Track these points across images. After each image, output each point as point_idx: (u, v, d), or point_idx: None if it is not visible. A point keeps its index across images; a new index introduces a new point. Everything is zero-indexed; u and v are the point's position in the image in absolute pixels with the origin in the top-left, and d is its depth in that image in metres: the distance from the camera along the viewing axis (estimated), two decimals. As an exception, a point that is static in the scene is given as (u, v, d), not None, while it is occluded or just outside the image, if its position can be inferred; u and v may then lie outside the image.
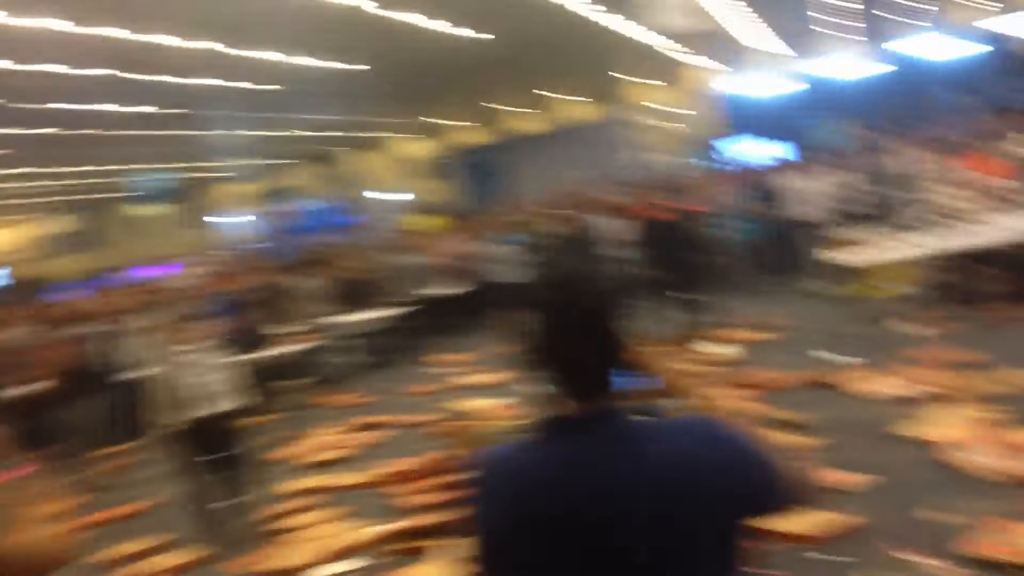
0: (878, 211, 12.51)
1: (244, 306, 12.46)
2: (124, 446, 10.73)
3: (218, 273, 14.90)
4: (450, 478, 7.34)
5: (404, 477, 7.58)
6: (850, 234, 11.96)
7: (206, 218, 39.84)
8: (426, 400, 10.64)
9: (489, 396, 9.81)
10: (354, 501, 7.46)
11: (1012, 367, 7.69)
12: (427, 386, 11.41)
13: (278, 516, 7.26)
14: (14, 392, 10.15)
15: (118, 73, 19.46)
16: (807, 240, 13.17)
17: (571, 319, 1.83)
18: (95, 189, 38.25)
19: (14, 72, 17.21)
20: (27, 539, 1.87)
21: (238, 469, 7.09)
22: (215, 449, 6.84)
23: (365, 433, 9.53)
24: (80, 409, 10.54)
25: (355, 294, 13.79)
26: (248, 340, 11.81)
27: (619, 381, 1.86)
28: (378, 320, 13.52)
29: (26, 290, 23.41)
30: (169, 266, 20.43)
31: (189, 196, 40.31)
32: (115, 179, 35.32)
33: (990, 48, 23.27)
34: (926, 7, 28.14)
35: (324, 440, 9.49)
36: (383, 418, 9.97)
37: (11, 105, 19.93)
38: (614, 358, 1.85)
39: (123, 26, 16.42)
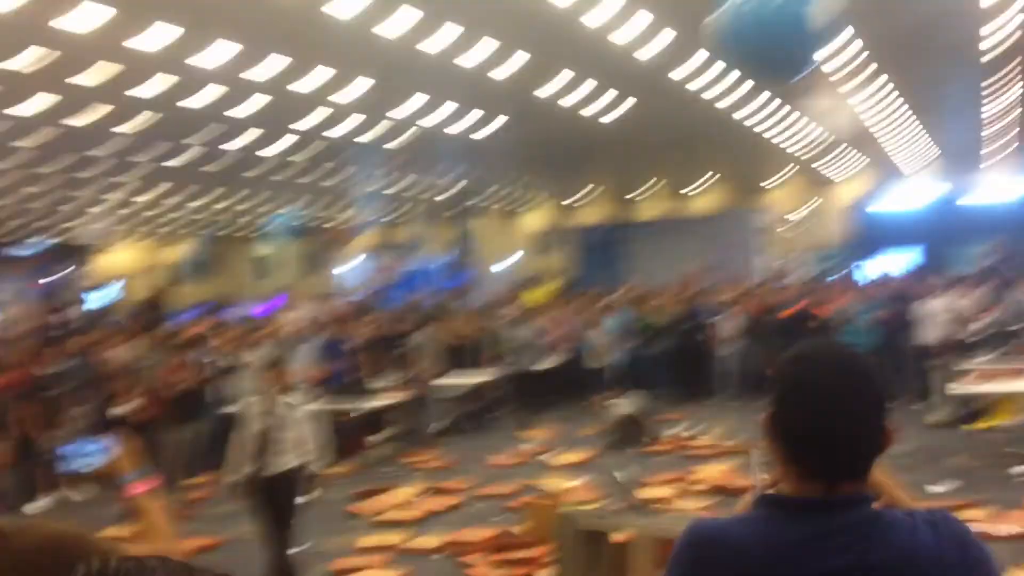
0: (1007, 339, 11.84)
1: (348, 353, 12.58)
2: (212, 477, 10.82)
3: (329, 317, 15.11)
4: (521, 554, 7.12)
5: (474, 547, 7.37)
6: (977, 361, 11.38)
7: (329, 262, 40.92)
8: (509, 471, 10.48)
9: (572, 475, 9.61)
10: (421, 565, 7.27)
11: None
12: (512, 457, 11.25)
13: (344, 571, 7.13)
14: (122, 409, 10.41)
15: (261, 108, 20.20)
16: (933, 363, 12.54)
17: (854, 394, 1.70)
18: (224, 220, 39.82)
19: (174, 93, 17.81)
20: (165, 548, 1.82)
21: (300, 519, 6.98)
22: (283, 501, 6.74)
23: (444, 497, 9.38)
24: (182, 434, 10.69)
25: (456, 355, 13.76)
26: (347, 387, 11.93)
27: None
28: (475, 384, 13.43)
29: (142, 311, 24.29)
30: (277, 300, 20.84)
31: (315, 238, 41.52)
32: (245, 213, 36.78)
33: None
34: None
35: (402, 498, 9.37)
36: (464, 483, 9.81)
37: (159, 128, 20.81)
38: (880, 442, 1.71)
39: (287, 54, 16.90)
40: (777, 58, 8.34)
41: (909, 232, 23.50)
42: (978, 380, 10.59)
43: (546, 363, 15.54)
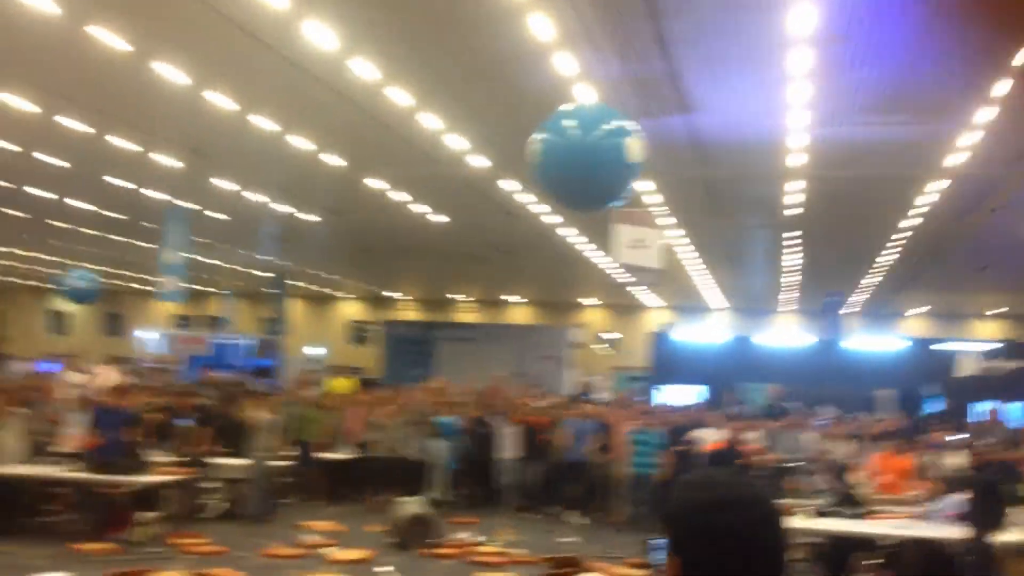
0: (783, 476, 12.51)
1: (126, 422, 11.90)
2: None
3: (113, 384, 14.28)
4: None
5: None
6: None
7: (127, 328, 38.97)
8: (281, 564, 10.05)
9: (348, 574, 9.33)
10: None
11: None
12: (287, 549, 10.81)
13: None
14: None
15: (67, 165, 19.40)
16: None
17: (773, 545, 1.68)
18: (11, 272, 37.52)
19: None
20: None
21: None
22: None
23: (207, 586, 8.87)
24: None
25: (243, 436, 13.24)
26: (120, 459, 11.24)
27: None
28: (259, 468, 12.92)
29: None
30: (53, 363, 19.64)
31: (113, 302, 39.56)
32: (38, 268, 34.75)
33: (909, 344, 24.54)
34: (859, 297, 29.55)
35: (160, 584, 8.80)
36: (230, 573, 9.31)
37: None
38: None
39: (85, 121, 16.48)
40: (591, 188, 8.75)
41: (703, 363, 24.69)
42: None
43: (342, 453, 15.27)
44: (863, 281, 30.07)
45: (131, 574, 9.00)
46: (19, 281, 40.26)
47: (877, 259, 26.61)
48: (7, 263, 34.56)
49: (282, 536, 11.52)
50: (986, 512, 8.79)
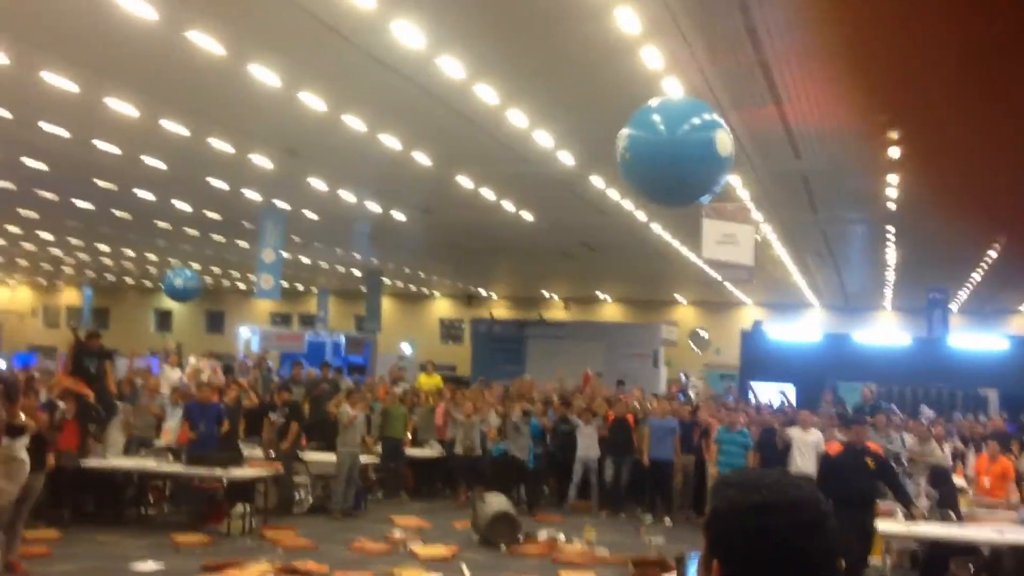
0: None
1: (222, 417, 12.24)
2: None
3: (211, 381, 14.71)
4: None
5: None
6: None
7: (226, 325, 40.16)
8: (369, 558, 10.21)
9: (433, 569, 9.41)
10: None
11: None
12: (376, 544, 10.97)
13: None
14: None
15: (167, 167, 20.04)
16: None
17: (818, 546, 1.59)
18: (119, 272, 39.01)
19: (68, 141, 17.73)
20: None
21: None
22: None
23: (292, 577, 9.06)
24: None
25: (333, 432, 13.48)
26: (217, 452, 11.57)
27: None
28: (348, 464, 13.12)
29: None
30: (151, 359, 20.29)
31: (214, 300, 40.80)
32: (145, 266, 36.04)
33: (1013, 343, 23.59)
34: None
35: (249, 573, 9.01)
36: (317, 567, 9.49)
37: (56, 173, 20.52)
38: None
39: (185, 124, 16.99)
40: (680, 184, 8.64)
41: (796, 362, 24.20)
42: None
43: (431, 450, 15.41)
44: (969, 276, 28.95)
45: (224, 565, 9.26)
46: (128, 280, 41.84)
47: (984, 253, 25.55)
48: (116, 263, 35.92)
49: (369, 531, 11.71)
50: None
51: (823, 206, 21.23)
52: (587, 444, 14.72)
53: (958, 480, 11.60)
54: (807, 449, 13.52)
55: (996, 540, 9.30)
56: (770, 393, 21.12)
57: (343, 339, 29.98)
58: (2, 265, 36.73)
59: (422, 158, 18.76)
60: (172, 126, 16.93)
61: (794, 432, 13.81)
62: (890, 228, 22.92)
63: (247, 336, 31.26)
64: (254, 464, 12.05)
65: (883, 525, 9.53)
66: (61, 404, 11.03)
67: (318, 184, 21.63)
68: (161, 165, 19.93)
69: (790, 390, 21.33)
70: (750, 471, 1.75)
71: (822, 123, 15.97)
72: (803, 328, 29.23)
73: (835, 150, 17.28)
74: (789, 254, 26.40)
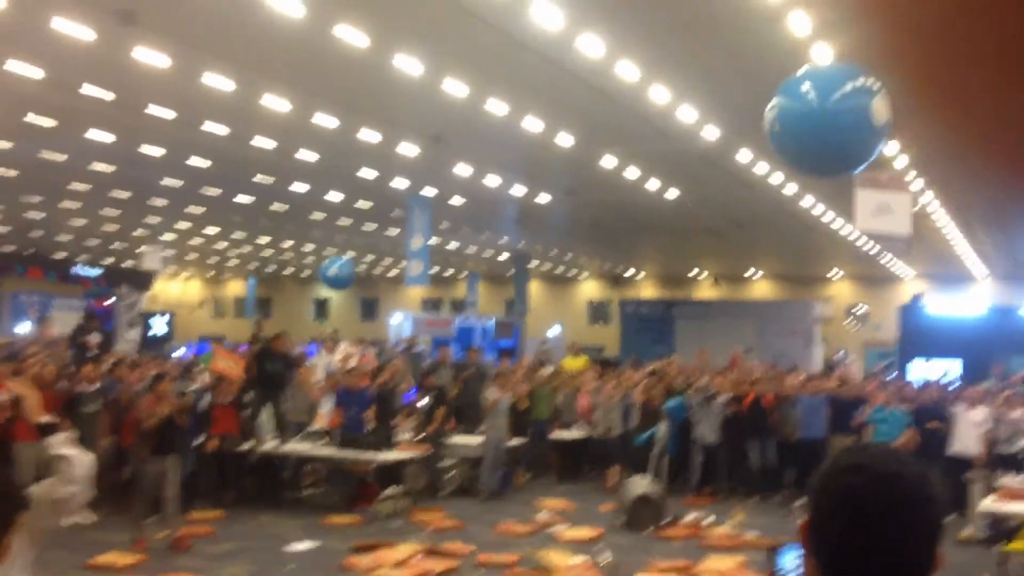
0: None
1: (368, 403, 12.58)
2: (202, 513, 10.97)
3: (362, 367, 15.13)
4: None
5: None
6: (1020, 478, 10.95)
7: (380, 311, 41.32)
8: (514, 540, 10.31)
9: (580, 551, 9.41)
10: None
11: None
12: (522, 526, 11.07)
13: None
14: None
15: (318, 159, 20.70)
16: (972, 475, 12.09)
17: (909, 515, 1.56)
18: (279, 263, 40.69)
19: (228, 139, 18.52)
20: None
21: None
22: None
23: (443, 559, 9.23)
24: (159, 465, 10.55)
25: (480, 415, 13.66)
26: (366, 436, 11.91)
27: None
28: (495, 446, 13.28)
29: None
30: (312, 346, 21.02)
31: (368, 288, 42.05)
32: (303, 257, 37.46)
33: None
34: None
35: (400, 556, 9.25)
36: (463, 548, 9.65)
37: (218, 170, 21.49)
38: (928, 567, 1.58)
39: (338, 118, 17.50)
40: (834, 155, 8.30)
41: (962, 337, 22.92)
42: (1016, 498, 10.16)
43: (575, 433, 15.41)
44: None
45: (374, 545, 9.54)
46: (287, 271, 43.63)
47: None
48: (276, 254, 37.49)
49: (515, 513, 11.82)
50: None
51: (988, 169, 20.00)
52: (704, 426, 14.10)
53: None
54: (970, 428, 12.82)
55: None
56: (933, 370, 20.12)
57: (492, 323, 30.34)
58: (173, 259, 38.90)
59: (565, 139, 18.71)
60: (323, 119, 17.51)
61: (957, 410, 13.12)
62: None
63: (399, 322, 32.07)
64: (403, 447, 12.35)
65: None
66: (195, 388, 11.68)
67: (463, 169, 21.91)
68: (313, 157, 20.65)
69: (956, 366, 20.27)
70: (871, 444, 1.69)
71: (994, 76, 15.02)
72: (968, 301, 27.63)
73: (1004, 107, 16.23)
74: (953, 221, 25.03)
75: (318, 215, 27.86)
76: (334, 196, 25.29)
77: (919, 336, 24.32)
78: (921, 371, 20.55)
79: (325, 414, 13.29)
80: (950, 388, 14.68)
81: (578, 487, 14.28)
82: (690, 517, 11.73)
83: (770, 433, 13.98)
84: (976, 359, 20.29)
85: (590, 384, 15.78)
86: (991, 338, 22.57)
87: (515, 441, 13.78)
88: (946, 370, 19.36)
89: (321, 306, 45.32)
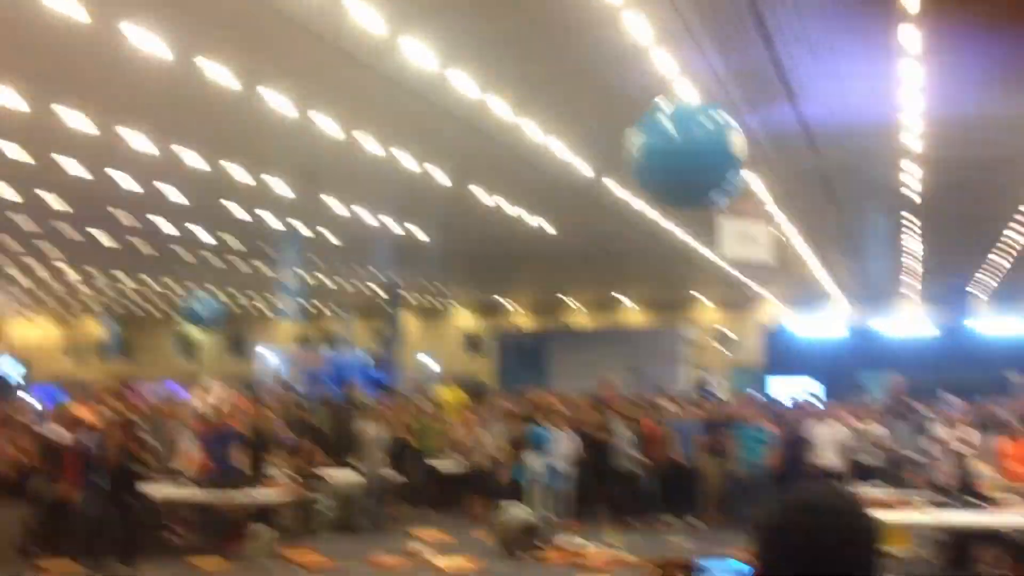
0: (894, 469, 12.04)
1: (241, 441, 12.27)
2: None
3: (234, 407, 14.75)
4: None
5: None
6: (873, 488, 11.51)
7: (249, 349, 40.37)
8: (389, 573, 10.23)
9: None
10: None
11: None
12: (394, 559, 10.98)
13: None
14: None
15: (185, 198, 20.23)
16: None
17: (863, 551, 1.65)
18: (141, 301, 39.36)
19: (82, 177, 17.96)
20: None
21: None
22: None
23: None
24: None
25: (355, 449, 13.53)
26: (235, 476, 11.62)
27: None
28: (372, 480, 13.15)
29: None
30: (180, 386, 20.44)
31: (237, 324, 41.04)
32: (169, 295, 36.35)
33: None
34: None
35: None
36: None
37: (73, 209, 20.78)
38: None
39: (201, 153, 17.19)
40: (691, 186, 8.62)
41: (821, 356, 24.01)
42: (871, 508, 10.64)
43: (447, 465, 15.37)
44: (990, 263, 28.66)
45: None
46: (151, 309, 42.19)
47: (1005, 239, 25.29)
48: (138, 293, 36.26)
49: (391, 545, 11.70)
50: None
51: (843, 200, 21.09)
52: (560, 452, 13.73)
53: (983, 466, 11.43)
54: (830, 445, 13.45)
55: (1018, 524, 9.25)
56: (795, 389, 20.93)
57: (366, 357, 30.07)
58: (27, 303, 37.19)
59: (439, 175, 18.86)
60: (189, 156, 17.16)
61: (818, 428, 13.71)
62: (913, 219, 22.75)
63: (271, 359, 31.40)
64: (275, 485, 12.08)
65: (906, 515, 9.47)
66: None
67: (337, 206, 21.78)
68: (180, 196, 20.18)
69: (816, 385, 21.15)
70: (811, 482, 1.80)
71: (837, 117, 15.89)
72: (827, 322, 28.96)
73: (852, 144, 17.17)
74: (811, 249, 26.24)
75: (185, 253, 27.18)
76: (202, 234, 24.75)
77: (782, 357, 25.31)
78: (784, 390, 21.38)
79: (189, 453, 12.85)
80: (811, 406, 15.30)
81: (455, 518, 14.23)
82: (563, 540, 11.86)
83: (651, 457, 14.26)
84: (836, 377, 21.27)
85: (462, 415, 15.83)
86: (850, 355, 23.71)
87: (393, 474, 13.67)
88: (804, 389, 20.19)
89: (186, 343, 43.86)
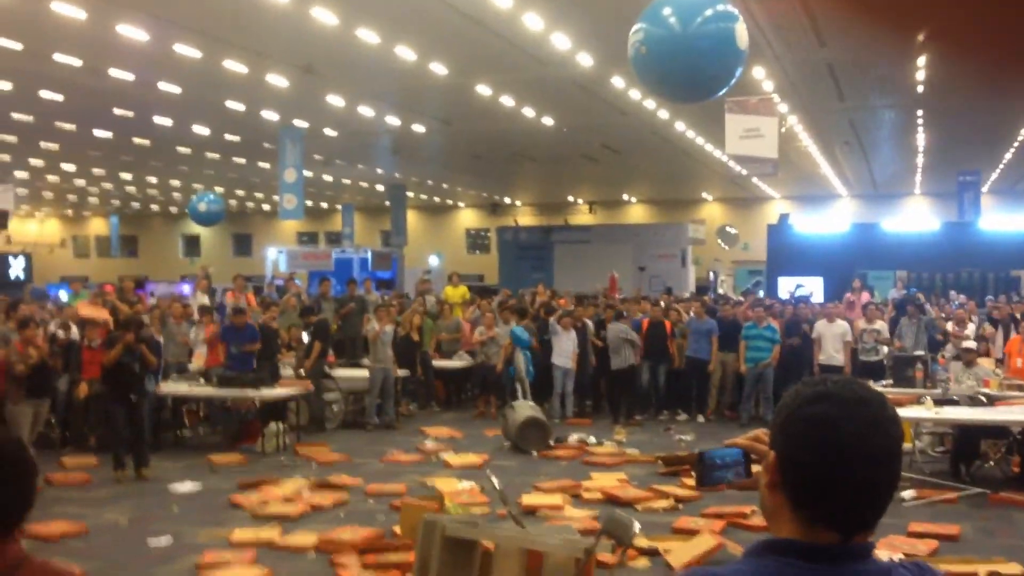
0: (909, 365, 12.08)
1: (250, 340, 12.34)
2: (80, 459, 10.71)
3: (239, 305, 14.80)
4: (394, 557, 7.02)
5: (349, 547, 7.24)
6: (879, 384, 11.59)
7: (254, 247, 40.37)
8: (400, 470, 10.40)
9: (466, 477, 9.56)
10: (291, 564, 7.13)
11: (989, 553, 7.24)
12: (411, 455, 11.16)
13: (209, 566, 6.93)
14: None
15: (183, 92, 19.89)
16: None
17: (881, 440, 1.56)
18: (145, 200, 39.18)
19: (81, 71, 17.59)
20: None
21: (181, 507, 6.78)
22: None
23: (329, 492, 9.22)
24: (31, 408, 10.25)
25: (362, 348, 13.60)
26: (251, 373, 11.72)
27: None
28: (379, 378, 13.26)
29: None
30: (183, 284, 20.47)
31: (240, 223, 40.97)
32: (173, 191, 36.15)
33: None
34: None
35: (289, 491, 9.19)
36: (350, 480, 9.67)
37: (73, 105, 20.41)
38: (888, 491, 1.60)
39: (201, 48, 16.81)
40: (695, 79, 8.44)
41: (826, 254, 23.98)
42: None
43: (455, 363, 15.50)
44: (1001, 156, 28.33)
45: (259, 483, 9.46)
46: (154, 207, 42.06)
47: (1016, 131, 24.91)
48: (141, 191, 36.05)
49: (402, 443, 11.88)
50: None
51: (850, 93, 20.74)
52: (562, 352, 14.03)
53: (987, 362, 11.52)
54: (834, 340, 13.51)
55: (1018, 419, 9.37)
56: (798, 287, 21.00)
57: (370, 255, 30.05)
58: (28, 198, 36.95)
59: (438, 68, 18.47)
60: (184, 49, 16.78)
61: (820, 325, 13.78)
62: (919, 112, 22.39)
63: (274, 257, 31.43)
64: (284, 383, 12.21)
65: (913, 411, 9.56)
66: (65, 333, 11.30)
67: (336, 100, 21.41)
68: (176, 89, 19.82)
69: (818, 283, 21.22)
70: (826, 375, 1.73)
71: (846, 8, 15.48)
72: (832, 219, 28.89)
73: (860, 35, 16.77)
74: (816, 144, 25.93)
75: (184, 149, 26.87)
76: (200, 129, 24.41)
77: (786, 254, 25.28)
78: (788, 288, 21.45)
79: (203, 354, 13.00)
80: (812, 303, 15.37)
81: (464, 415, 14.43)
82: (573, 438, 12.03)
83: (664, 357, 14.34)
84: (839, 274, 21.27)
85: (470, 314, 15.86)
86: (853, 254, 23.69)
87: (401, 372, 13.78)
88: (802, 285, 20.23)
89: (191, 243, 43.97)
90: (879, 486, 1.56)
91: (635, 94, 20.21)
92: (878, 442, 1.55)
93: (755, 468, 1.66)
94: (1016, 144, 26.24)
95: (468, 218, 41.62)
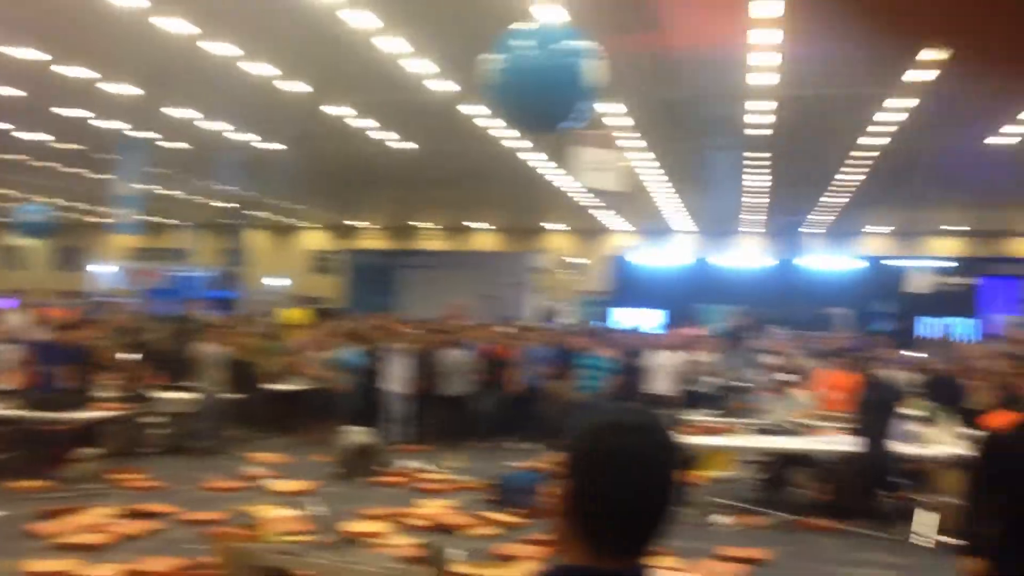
0: (723, 396, 12.62)
1: (68, 360, 11.69)
2: None
3: (62, 321, 14.04)
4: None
5: (154, 577, 6.90)
6: (701, 414, 12.00)
7: (82, 262, 38.52)
8: (221, 497, 10.02)
9: (289, 504, 9.30)
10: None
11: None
12: (228, 482, 10.77)
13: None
14: None
15: (19, 95, 18.94)
16: (661, 412, 13.08)
17: (666, 468, 1.66)
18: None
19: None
20: None
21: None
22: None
23: (139, 521, 8.78)
24: None
25: (192, 369, 13.10)
26: (59, 395, 11.09)
27: None
28: (208, 401, 12.79)
29: None
30: (7, 299, 19.37)
31: (68, 236, 39.03)
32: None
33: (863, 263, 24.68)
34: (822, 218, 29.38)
35: (93, 520, 8.70)
36: (165, 508, 9.25)
37: None
38: (670, 515, 1.67)
39: (38, 47, 16.04)
40: (547, 108, 8.54)
41: (662, 286, 24.76)
42: (697, 432, 11.08)
43: (285, 386, 15.13)
44: (827, 201, 30.02)
45: (63, 511, 8.92)
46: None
47: (840, 178, 26.48)
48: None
49: (226, 469, 11.47)
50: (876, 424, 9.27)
51: (692, 133, 21.56)
52: (396, 377, 13.94)
53: (803, 394, 12.09)
54: (664, 373, 13.92)
55: (830, 449, 9.90)
56: (635, 319, 21.56)
57: (209, 274, 29.12)
58: None
59: (294, 86, 18.20)
60: (20, 51, 15.98)
61: (654, 357, 14.15)
62: (760, 155, 23.51)
63: (106, 272, 30.04)
64: (103, 406, 11.59)
65: (729, 440, 9.93)
66: None
67: (183, 113, 20.78)
68: (10, 92, 18.86)
69: (657, 316, 21.84)
70: (606, 404, 1.79)
71: (692, 50, 16.11)
72: (669, 253, 29.89)
73: (704, 78, 17.48)
74: (661, 180, 26.82)
75: (13, 156, 25.50)
76: (33, 135, 23.25)
77: (627, 286, 25.94)
78: (627, 320, 21.98)
79: (14, 371, 12.20)
80: (647, 335, 15.80)
81: (296, 440, 14.07)
82: (405, 464, 11.90)
83: (498, 385, 14.37)
84: (678, 306, 21.98)
85: (308, 337, 15.55)
86: (690, 287, 24.54)
87: (233, 396, 13.31)
88: (641, 319, 20.79)
89: (12, 254, 41.44)
90: (663, 513, 1.65)
91: (489, 121, 20.43)
92: (663, 471, 1.65)
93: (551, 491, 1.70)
94: (838, 189, 27.92)
95: (315, 239, 40.97)
